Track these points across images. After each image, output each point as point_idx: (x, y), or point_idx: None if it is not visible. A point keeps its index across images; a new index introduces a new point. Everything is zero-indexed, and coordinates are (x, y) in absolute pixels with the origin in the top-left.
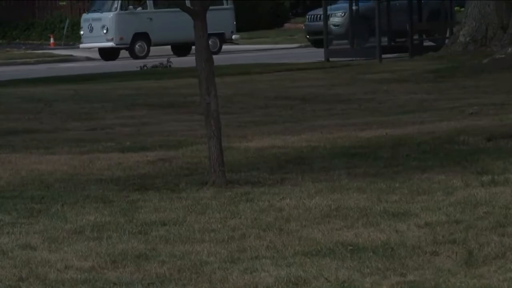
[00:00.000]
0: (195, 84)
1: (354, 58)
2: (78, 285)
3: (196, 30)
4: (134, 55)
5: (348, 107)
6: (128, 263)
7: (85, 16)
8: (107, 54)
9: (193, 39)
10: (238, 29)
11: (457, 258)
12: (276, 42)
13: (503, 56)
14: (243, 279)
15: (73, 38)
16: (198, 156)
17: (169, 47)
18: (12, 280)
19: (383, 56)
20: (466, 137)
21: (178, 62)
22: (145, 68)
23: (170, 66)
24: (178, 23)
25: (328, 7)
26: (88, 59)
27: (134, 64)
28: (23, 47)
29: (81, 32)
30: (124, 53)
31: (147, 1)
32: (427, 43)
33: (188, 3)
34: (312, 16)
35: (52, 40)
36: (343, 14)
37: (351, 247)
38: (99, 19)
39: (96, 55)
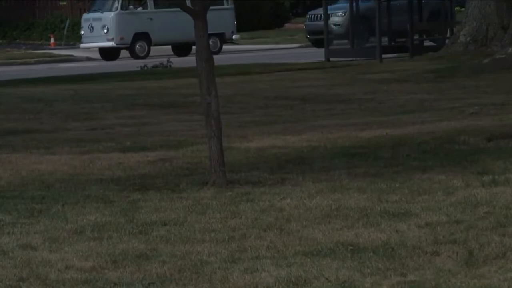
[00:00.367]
0: (196, 84)
1: (354, 58)
2: (79, 285)
3: (196, 30)
4: (134, 55)
5: (348, 107)
6: (129, 263)
7: (85, 16)
8: (108, 54)
9: (194, 39)
10: (239, 29)
11: (458, 258)
12: (276, 42)
13: (503, 56)
14: (243, 279)
15: (74, 38)
16: (199, 156)
17: (169, 47)
18: (13, 280)
19: (384, 56)
20: (466, 137)
21: (179, 62)
22: (145, 68)
23: (170, 66)
24: (179, 23)
25: (329, 7)
26: (89, 59)
27: (135, 64)
28: (24, 47)
29: (82, 32)
30: (124, 53)
31: (148, 1)
32: (427, 43)
33: (188, 3)
34: (312, 16)
35: (52, 40)
36: (343, 14)
37: (351, 247)
38: (99, 19)
39: (97, 55)
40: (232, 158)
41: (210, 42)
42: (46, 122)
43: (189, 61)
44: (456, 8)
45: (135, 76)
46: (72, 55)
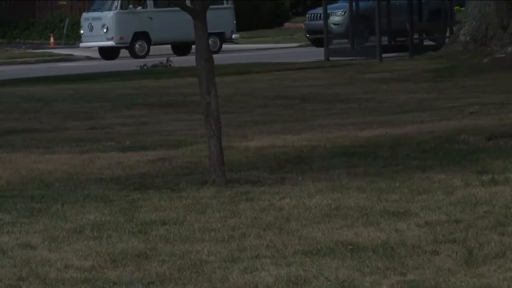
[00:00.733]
0: (195, 83)
1: (354, 58)
2: (78, 285)
3: (196, 30)
4: (134, 54)
5: (348, 107)
6: (128, 262)
7: (85, 15)
8: (107, 53)
9: (193, 38)
10: (239, 29)
11: (457, 257)
12: (276, 42)
13: (503, 55)
14: (243, 278)
15: (73, 38)
16: (198, 155)
17: (169, 46)
18: (12, 279)
19: (383, 55)
20: (466, 136)
21: (178, 61)
22: (145, 67)
23: (170, 65)
24: (178, 23)
25: (328, 6)
26: (88, 58)
27: (134, 64)
28: (23, 47)
29: (81, 31)
30: (124, 52)
31: (147, 0)
32: (427, 43)
33: (188, 3)
34: (312, 15)
35: (52, 40)
36: (343, 13)
37: (351, 247)
38: (99, 18)
39: (96, 54)
40: (232, 157)
41: (209, 41)
42: (46, 122)
43: (189, 60)
44: (456, 7)
45: (135, 76)
46: (71, 55)
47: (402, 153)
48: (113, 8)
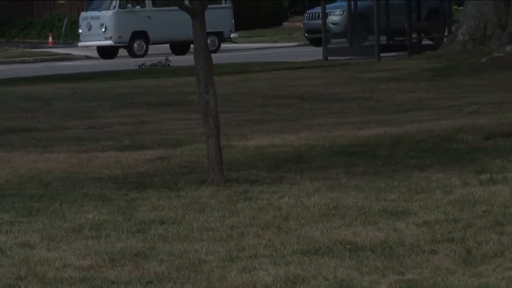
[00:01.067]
0: (194, 82)
1: (352, 57)
2: (77, 284)
3: (194, 29)
4: (132, 54)
5: (346, 106)
6: (127, 261)
7: (83, 14)
8: (106, 52)
9: (192, 37)
10: (238, 28)
11: (456, 256)
12: (274, 41)
13: (501, 54)
14: (241, 277)
15: (72, 37)
16: (197, 154)
17: (167, 45)
18: (11, 278)
19: (382, 54)
20: (464, 135)
21: (177, 60)
22: (143, 66)
23: (168, 64)
24: (177, 22)
25: (327, 6)
26: (87, 57)
27: (133, 63)
28: (22, 46)
29: (80, 31)
30: (122, 52)
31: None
32: (425, 42)
33: (187, 2)
34: (311, 15)
35: (50, 39)
36: (341, 13)
37: (349, 246)
38: (97, 18)
39: (95, 54)
40: (230, 156)
41: (208, 40)
42: (45, 121)
43: (187, 59)
44: (454, 6)
45: (133, 75)
46: (70, 54)
47: (401, 152)
48: (112, 7)
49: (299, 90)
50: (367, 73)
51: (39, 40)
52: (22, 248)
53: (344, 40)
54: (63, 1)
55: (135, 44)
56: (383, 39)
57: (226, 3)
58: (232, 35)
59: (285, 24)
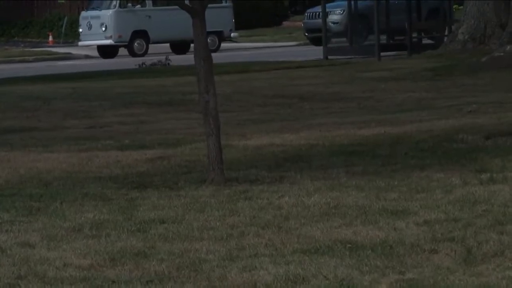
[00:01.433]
0: (194, 82)
1: (352, 56)
2: (77, 283)
3: (195, 28)
4: (132, 53)
5: (347, 105)
6: (127, 261)
7: (83, 14)
8: (106, 52)
9: (192, 37)
10: (238, 28)
11: (456, 256)
12: (274, 40)
13: (501, 54)
14: (241, 277)
15: (72, 36)
16: (197, 154)
17: (167, 45)
18: (11, 278)
19: (382, 54)
20: (464, 135)
21: (177, 60)
22: (143, 66)
23: (168, 64)
24: (177, 21)
25: (327, 5)
26: (87, 57)
27: (133, 62)
28: (22, 45)
29: (80, 30)
30: (122, 51)
31: None
32: (425, 41)
33: (187, 1)
34: (311, 14)
35: (50, 38)
36: (341, 12)
37: (349, 245)
38: (97, 17)
39: (95, 53)
40: (231, 156)
41: (208, 40)
42: (44, 120)
43: (187, 59)
44: (455, 6)
45: (133, 74)
46: (70, 53)
47: (401, 152)
48: (112, 6)
49: (299, 89)
50: (367, 72)
51: (39, 40)
52: (22, 247)
53: (344, 39)
54: (63, 1)
55: (135, 44)
56: (383, 38)
57: (226, 3)
58: (232, 35)
59: (285, 23)
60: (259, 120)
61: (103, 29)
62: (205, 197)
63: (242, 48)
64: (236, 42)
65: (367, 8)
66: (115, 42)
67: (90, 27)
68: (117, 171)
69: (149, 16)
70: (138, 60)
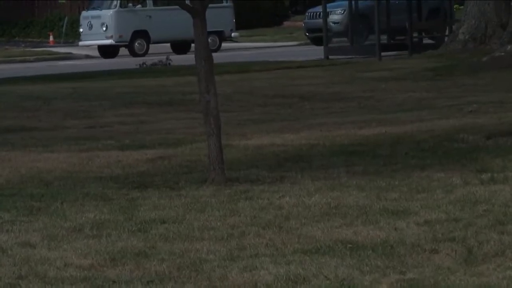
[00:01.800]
0: (194, 82)
1: (353, 56)
2: (78, 283)
3: (195, 28)
4: (133, 53)
5: (347, 105)
6: (128, 261)
7: (84, 13)
8: (106, 51)
9: (193, 37)
10: (238, 28)
11: (457, 256)
12: (275, 40)
13: (502, 54)
14: (242, 277)
15: (72, 36)
16: (198, 154)
17: (168, 45)
18: (12, 278)
19: (383, 54)
20: (465, 135)
21: (177, 60)
22: (144, 66)
23: (169, 64)
24: (178, 21)
25: (328, 5)
26: (88, 57)
27: (133, 62)
28: (22, 45)
29: (80, 30)
30: (123, 51)
31: None
32: (426, 41)
33: (187, 1)
34: (312, 14)
35: (51, 38)
36: (342, 12)
37: (350, 245)
38: (98, 17)
39: (95, 53)
40: (231, 156)
41: (209, 40)
42: (45, 120)
43: (188, 59)
44: (455, 6)
45: (134, 74)
46: (71, 53)
47: (401, 152)
48: (113, 6)
49: (300, 89)
50: (368, 72)
51: (40, 40)
52: (23, 247)
53: (345, 39)
54: (63, 1)
55: (136, 43)
56: (384, 38)
57: (227, 2)
58: (233, 35)
59: (286, 23)
60: (259, 120)
61: (104, 29)
62: (205, 197)
63: (242, 48)
64: (236, 42)
65: (367, 8)
66: (115, 42)
67: (90, 27)
68: (117, 171)
69: (150, 16)
70: (139, 60)
